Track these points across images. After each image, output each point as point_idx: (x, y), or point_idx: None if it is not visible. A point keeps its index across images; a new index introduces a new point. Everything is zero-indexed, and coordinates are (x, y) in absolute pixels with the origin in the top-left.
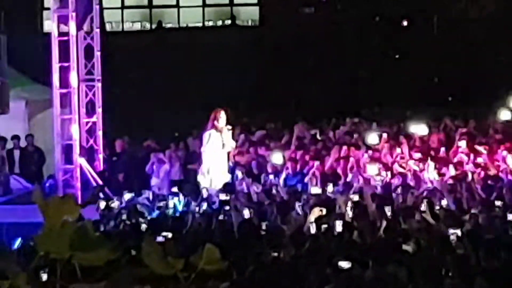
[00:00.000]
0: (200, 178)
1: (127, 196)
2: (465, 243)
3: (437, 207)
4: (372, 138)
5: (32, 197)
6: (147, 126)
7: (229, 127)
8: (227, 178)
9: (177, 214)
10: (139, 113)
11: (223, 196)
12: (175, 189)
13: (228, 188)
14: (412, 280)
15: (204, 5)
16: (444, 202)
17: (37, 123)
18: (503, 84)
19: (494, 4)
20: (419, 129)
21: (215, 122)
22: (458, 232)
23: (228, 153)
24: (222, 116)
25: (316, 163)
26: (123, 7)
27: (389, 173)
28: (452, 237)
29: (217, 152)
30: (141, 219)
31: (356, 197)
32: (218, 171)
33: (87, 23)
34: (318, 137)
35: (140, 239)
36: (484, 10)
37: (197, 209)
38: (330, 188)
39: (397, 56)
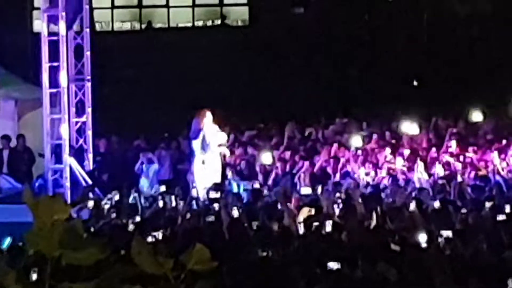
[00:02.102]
0: (196, 178)
1: (116, 196)
2: (456, 243)
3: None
4: (356, 140)
5: (22, 196)
6: (137, 126)
7: (216, 127)
8: (219, 178)
9: (167, 214)
10: (129, 113)
11: (213, 194)
12: (164, 189)
13: (217, 187)
14: (401, 279)
15: (194, 5)
16: (434, 203)
17: (26, 122)
18: (497, 82)
19: (486, 1)
20: (409, 128)
21: (203, 122)
22: (449, 232)
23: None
24: (208, 116)
25: (306, 163)
26: (113, 7)
27: (378, 172)
28: (440, 239)
29: (211, 152)
30: (130, 219)
31: (343, 196)
32: (211, 171)
33: (77, 23)
34: (312, 136)
35: (130, 239)
36: (475, 7)
37: (186, 208)
38: (319, 188)
39: (387, 55)
